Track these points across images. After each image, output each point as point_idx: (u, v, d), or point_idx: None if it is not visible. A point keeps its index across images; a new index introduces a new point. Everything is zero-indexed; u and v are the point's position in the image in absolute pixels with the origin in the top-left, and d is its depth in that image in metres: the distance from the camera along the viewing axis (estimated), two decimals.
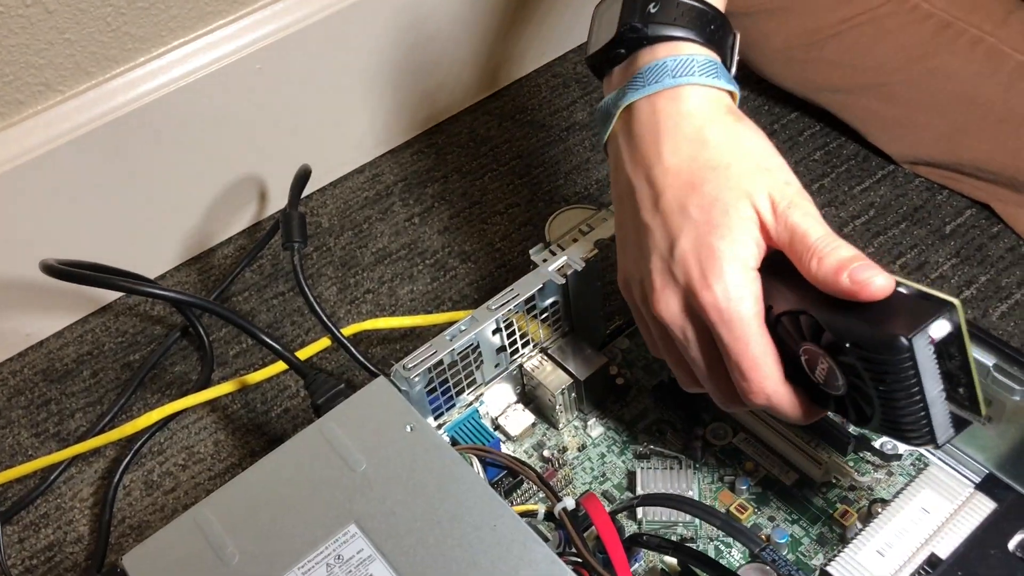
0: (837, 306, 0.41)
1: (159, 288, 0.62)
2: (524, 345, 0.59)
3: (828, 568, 0.42)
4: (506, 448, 0.60)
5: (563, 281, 0.57)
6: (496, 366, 0.59)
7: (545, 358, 0.60)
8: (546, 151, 0.83)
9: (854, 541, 0.42)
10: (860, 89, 0.75)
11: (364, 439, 0.49)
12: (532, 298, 0.57)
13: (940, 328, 0.39)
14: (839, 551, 0.42)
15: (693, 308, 0.45)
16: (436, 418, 0.57)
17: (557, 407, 0.59)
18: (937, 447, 0.41)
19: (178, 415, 0.67)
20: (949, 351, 0.40)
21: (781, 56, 0.78)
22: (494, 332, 0.56)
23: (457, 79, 0.86)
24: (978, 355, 0.48)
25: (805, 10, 0.75)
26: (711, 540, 0.54)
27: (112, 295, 0.76)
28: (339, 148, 0.82)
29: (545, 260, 0.59)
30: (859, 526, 0.53)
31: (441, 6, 0.80)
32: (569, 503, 0.49)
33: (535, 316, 0.58)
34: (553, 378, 0.59)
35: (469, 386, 0.58)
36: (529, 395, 0.62)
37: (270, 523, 0.46)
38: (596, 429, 0.60)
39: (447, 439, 0.57)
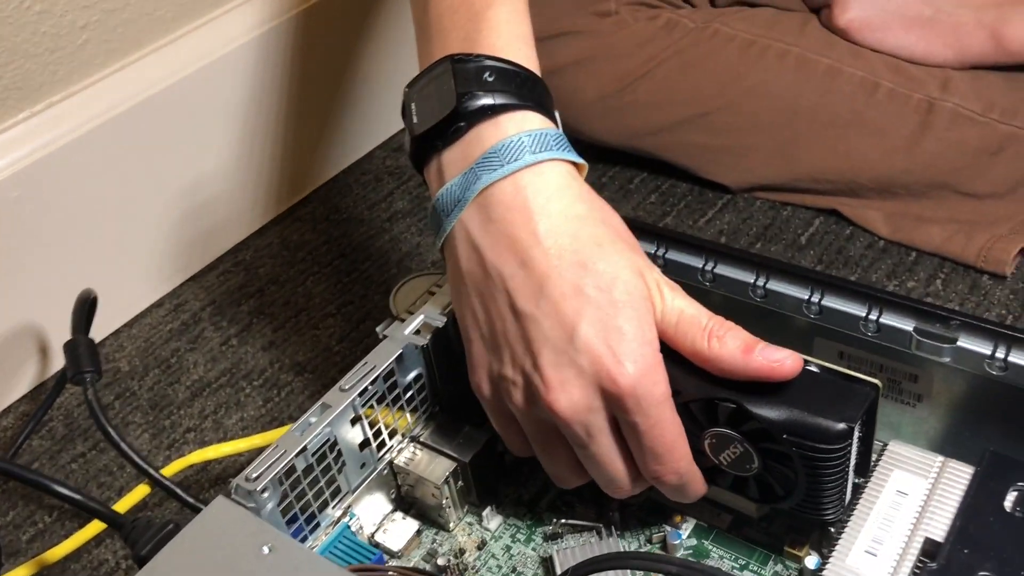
0: (762, 394, 0.40)
1: None
2: (391, 436, 0.50)
3: None
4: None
5: (424, 343, 0.48)
6: (362, 466, 0.48)
7: (418, 447, 0.50)
8: (371, 244, 0.75)
9: (839, 545, 0.35)
10: (680, 125, 0.73)
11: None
12: (391, 374, 0.48)
13: (870, 410, 0.40)
14: (826, 560, 0.35)
15: (601, 398, 0.41)
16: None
17: (443, 502, 0.49)
18: (839, 519, 0.41)
19: None
20: (866, 427, 0.41)
21: (595, 108, 0.75)
22: (353, 422, 0.47)
23: (256, 191, 0.77)
24: (894, 321, 0.44)
25: (611, 57, 0.73)
26: None
27: None
28: (129, 282, 0.71)
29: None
30: (813, 554, 0.46)
31: (223, 116, 0.73)
32: None
33: (397, 401, 0.49)
34: (433, 468, 0.49)
35: (333, 497, 0.47)
36: (407, 498, 0.51)
37: None
38: (494, 520, 0.51)
39: None
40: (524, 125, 0.43)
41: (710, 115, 0.71)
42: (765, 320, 0.49)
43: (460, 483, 0.50)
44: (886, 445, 0.41)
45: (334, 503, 0.47)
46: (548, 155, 0.43)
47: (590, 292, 0.41)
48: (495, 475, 0.52)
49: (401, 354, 0.47)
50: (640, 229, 0.51)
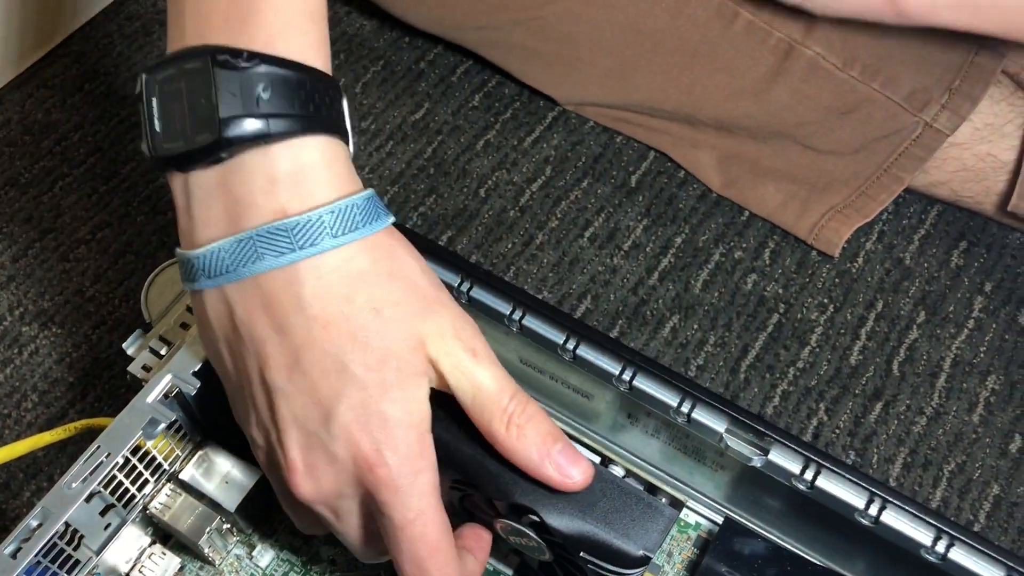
0: (562, 504, 0.38)
1: None
2: (142, 486, 0.43)
3: None
4: None
5: (173, 417, 0.41)
6: (107, 527, 0.42)
7: (176, 489, 0.45)
8: (137, 135, 0.62)
9: None
10: (508, 25, 0.62)
11: None
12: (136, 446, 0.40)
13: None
14: None
15: (355, 484, 0.37)
16: None
17: (206, 551, 0.45)
18: None
19: None
20: None
21: None
22: (89, 498, 0.40)
23: None
24: (706, 419, 0.41)
25: None
26: None
27: None
28: None
29: (145, 368, 0.42)
30: None
31: None
32: None
33: (145, 457, 0.42)
34: (191, 519, 0.44)
35: (71, 571, 0.41)
36: (167, 530, 0.46)
37: None
38: (266, 556, 0.47)
39: None
40: (304, 158, 0.35)
41: (541, 19, 0.60)
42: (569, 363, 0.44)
43: (227, 526, 0.45)
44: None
45: (72, 575, 0.42)
46: (352, 237, 0.35)
47: (356, 370, 0.35)
48: (268, 501, 0.47)
49: (150, 422, 0.40)
50: (449, 261, 0.44)
